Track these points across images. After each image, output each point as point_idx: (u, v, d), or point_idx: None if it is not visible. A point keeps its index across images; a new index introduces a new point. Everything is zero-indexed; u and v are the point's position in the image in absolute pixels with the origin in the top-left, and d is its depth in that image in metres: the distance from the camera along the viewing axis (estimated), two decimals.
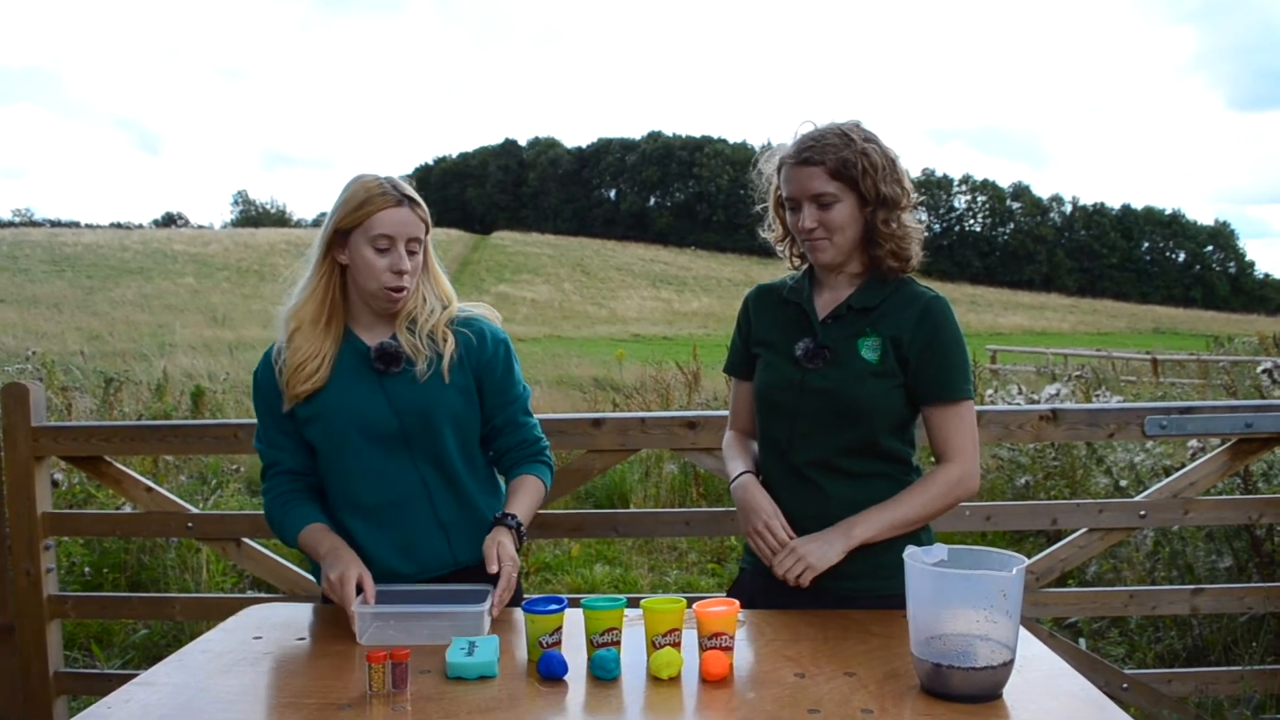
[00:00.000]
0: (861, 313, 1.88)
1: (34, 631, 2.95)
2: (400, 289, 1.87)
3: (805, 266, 2.00)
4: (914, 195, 1.90)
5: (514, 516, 1.90)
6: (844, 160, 1.80)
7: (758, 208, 2.04)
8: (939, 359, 1.84)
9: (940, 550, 1.47)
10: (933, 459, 1.91)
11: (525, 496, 1.95)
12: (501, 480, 2.06)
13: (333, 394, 1.88)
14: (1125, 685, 2.78)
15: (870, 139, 1.84)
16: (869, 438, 1.86)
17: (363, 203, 1.83)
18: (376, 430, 1.88)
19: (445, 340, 1.91)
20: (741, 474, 1.96)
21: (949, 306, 1.88)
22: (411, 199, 1.87)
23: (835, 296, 1.92)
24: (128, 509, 3.74)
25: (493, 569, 1.78)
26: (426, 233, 1.91)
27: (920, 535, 1.88)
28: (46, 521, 2.96)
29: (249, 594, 3.89)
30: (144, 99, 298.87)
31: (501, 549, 1.81)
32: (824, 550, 1.78)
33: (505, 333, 2.02)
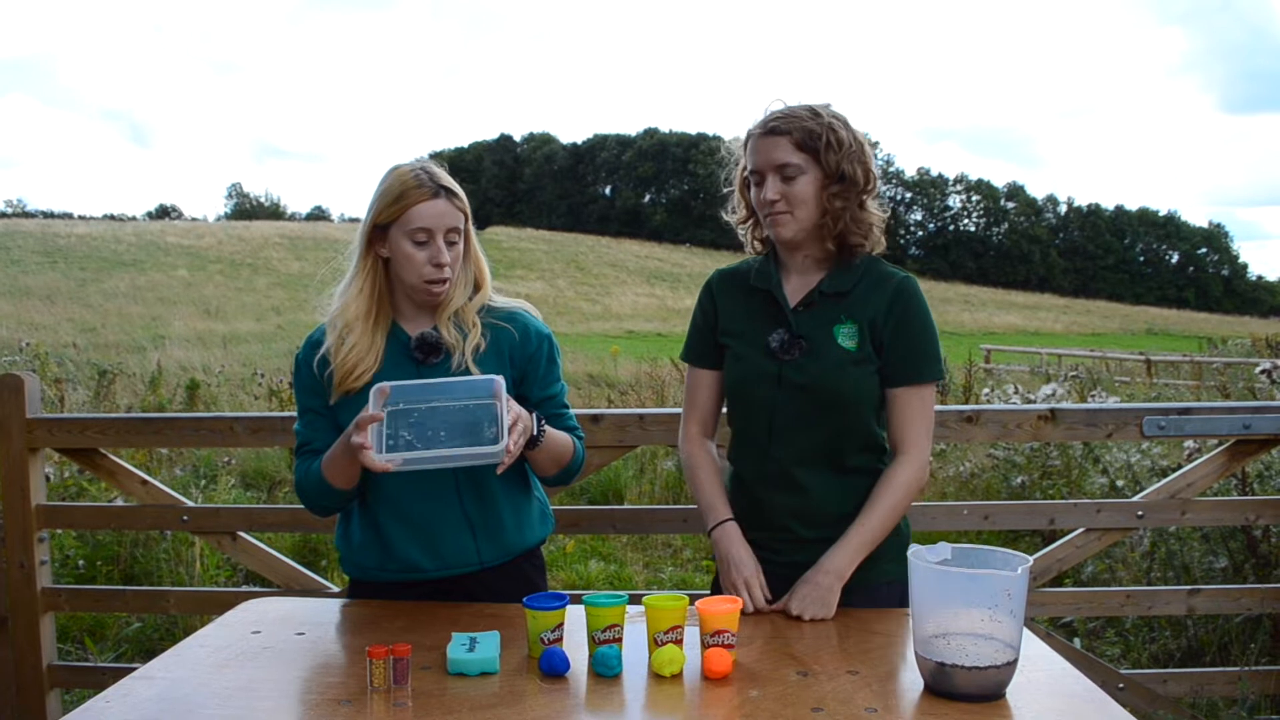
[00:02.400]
0: (834, 299, 1.85)
1: (28, 624, 2.94)
2: (441, 281, 1.85)
3: (768, 251, 1.97)
4: (878, 182, 1.88)
5: (543, 421, 1.82)
6: (810, 131, 1.79)
7: (725, 190, 2.00)
8: (911, 340, 1.83)
9: (944, 549, 1.47)
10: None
11: (557, 433, 1.88)
12: (536, 482, 2.03)
13: (371, 384, 1.84)
14: (1121, 685, 2.78)
15: (838, 117, 1.83)
16: (854, 427, 1.84)
17: (399, 196, 1.82)
18: None
19: (474, 327, 1.89)
20: (724, 521, 1.90)
21: (919, 287, 1.88)
22: (448, 189, 1.85)
23: (805, 282, 1.89)
24: (120, 502, 3.72)
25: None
26: (466, 221, 1.90)
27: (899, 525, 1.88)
28: (41, 514, 2.94)
29: (244, 588, 3.87)
30: (135, 92, 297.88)
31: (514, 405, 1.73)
32: (826, 602, 1.77)
33: (548, 327, 2.00)
